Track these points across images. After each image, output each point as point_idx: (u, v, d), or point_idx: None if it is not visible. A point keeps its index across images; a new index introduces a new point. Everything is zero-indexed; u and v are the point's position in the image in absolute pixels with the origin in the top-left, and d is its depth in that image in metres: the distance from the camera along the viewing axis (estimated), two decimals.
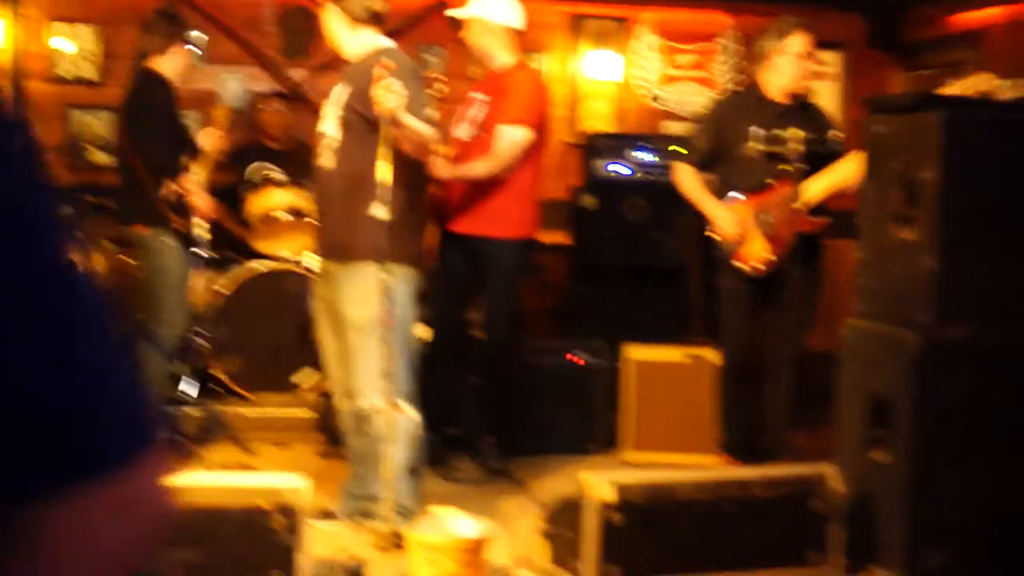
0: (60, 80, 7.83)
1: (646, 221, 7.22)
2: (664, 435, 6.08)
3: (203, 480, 3.85)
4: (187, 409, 6.36)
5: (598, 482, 4.00)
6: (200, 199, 5.82)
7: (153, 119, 5.78)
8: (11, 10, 7.67)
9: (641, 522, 4.02)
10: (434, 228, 5.82)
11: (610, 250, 7.21)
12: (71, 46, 7.82)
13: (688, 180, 5.82)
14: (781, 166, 5.46)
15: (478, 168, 5.66)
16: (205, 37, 7.21)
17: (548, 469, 5.85)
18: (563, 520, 4.34)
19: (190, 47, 6.03)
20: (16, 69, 7.72)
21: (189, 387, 6.48)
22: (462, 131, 5.80)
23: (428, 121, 4.57)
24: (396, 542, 4.37)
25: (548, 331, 7.49)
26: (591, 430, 6.28)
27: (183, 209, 5.79)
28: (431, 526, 4.16)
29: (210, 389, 6.68)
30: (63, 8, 7.82)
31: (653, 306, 7.05)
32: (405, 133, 4.37)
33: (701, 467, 5.64)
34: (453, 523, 4.18)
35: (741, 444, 5.81)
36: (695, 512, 4.14)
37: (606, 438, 6.24)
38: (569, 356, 6.36)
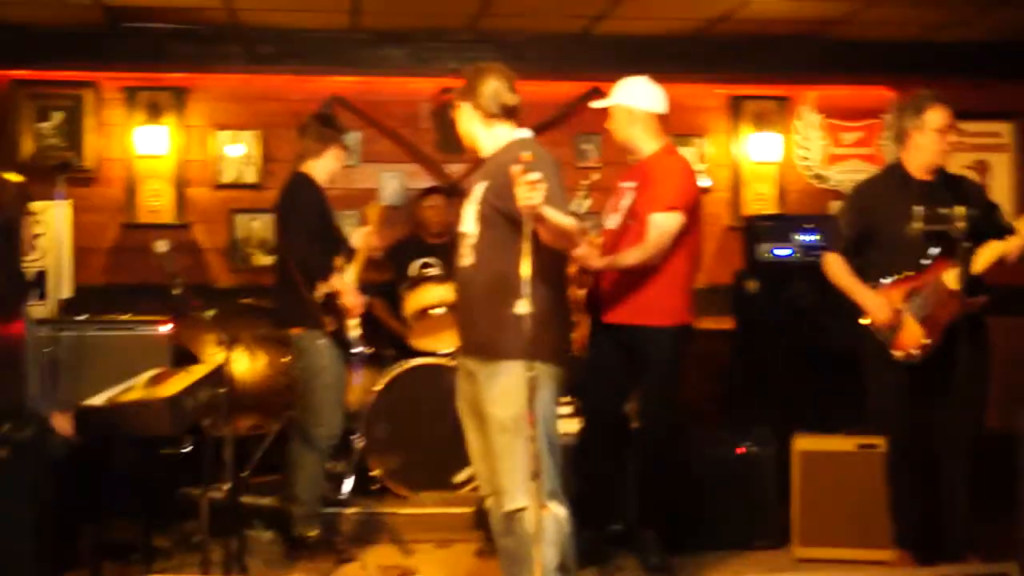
0: (223, 185, 7.98)
1: (811, 304, 6.98)
2: (837, 529, 5.77)
3: None
4: (345, 510, 6.33)
5: None
6: (351, 298, 5.81)
7: (303, 222, 5.80)
8: (176, 119, 7.88)
9: None
10: (586, 319, 5.71)
11: (775, 335, 6.99)
12: (234, 152, 7.98)
13: (838, 268, 5.58)
14: (940, 245, 5.18)
15: (630, 257, 5.53)
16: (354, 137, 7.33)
17: (713, 566, 5.61)
18: None
19: (343, 149, 6.04)
20: (180, 176, 7.92)
21: (347, 487, 6.48)
22: (612, 221, 5.69)
23: (570, 212, 4.47)
24: None
25: (713, 420, 7.26)
26: (759, 524, 6.00)
27: (336, 309, 5.78)
28: None
29: (368, 489, 6.65)
30: (226, 116, 8.01)
31: (822, 392, 6.77)
32: (548, 227, 4.27)
33: (874, 565, 5.34)
34: None
35: (916, 539, 5.48)
36: None
37: (776, 532, 5.96)
38: (739, 449, 6.11)
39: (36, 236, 5.41)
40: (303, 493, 5.85)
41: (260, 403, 7.73)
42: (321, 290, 5.71)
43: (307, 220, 5.80)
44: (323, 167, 5.99)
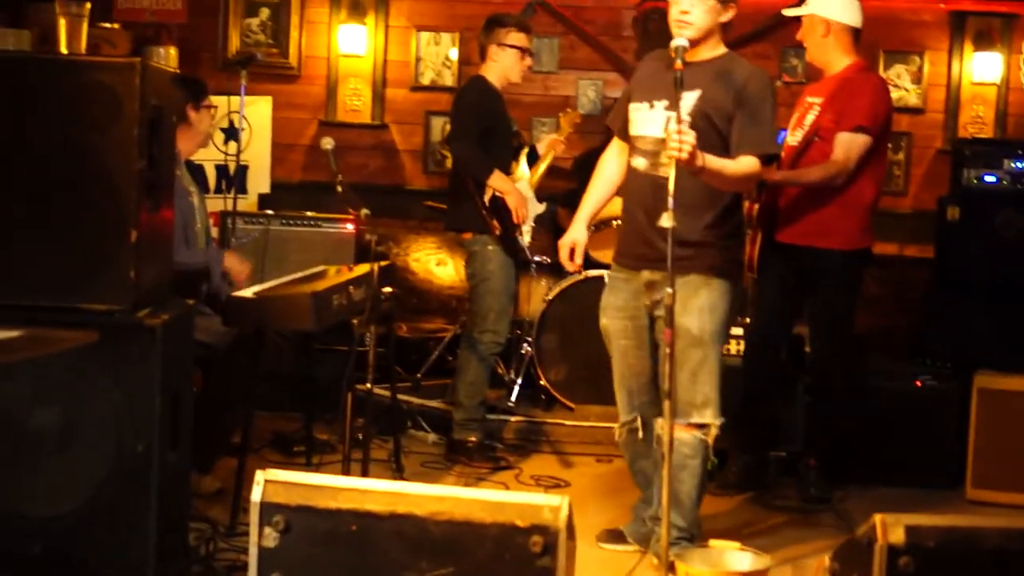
0: (420, 87, 7.99)
1: (1019, 236, 6.56)
2: (1017, 474, 5.47)
3: (460, 493, 3.71)
4: (510, 417, 6.33)
5: (891, 521, 3.58)
6: (515, 200, 5.73)
7: (465, 123, 5.75)
8: (377, 20, 7.90)
9: (933, 570, 3.57)
10: (758, 237, 5.50)
11: (976, 267, 6.59)
12: (433, 54, 7.97)
13: None
14: None
15: (813, 174, 5.30)
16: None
17: (877, 502, 5.37)
18: (852, 561, 3.93)
19: (513, 49, 5.89)
20: (380, 76, 7.96)
21: (512, 395, 6.47)
22: (795, 136, 5.44)
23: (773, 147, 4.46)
24: (670, 572, 4.09)
25: (901, 351, 6.94)
26: (932, 462, 5.72)
27: (505, 213, 5.72)
28: (704, 559, 3.87)
29: (534, 397, 6.62)
30: (427, 17, 7.98)
31: (1019, 330, 6.38)
32: (709, 176, 4.15)
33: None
34: (730, 557, 3.87)
35: None
36: (999, 565, 3.63)
37: (949, 473, 5.68)
38: (918, 382, 5.83)
39: (210, 131, 5.55)
40: (465, 398, 5.86)
41: (444, 306, 7.79)
42: (487, 194, 5.66)
43: (468, 122, 5.74)
44: (496, 69, 5.90)
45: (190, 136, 5.23)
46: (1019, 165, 6.68)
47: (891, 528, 3.64)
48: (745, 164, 4.28)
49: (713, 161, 4.11)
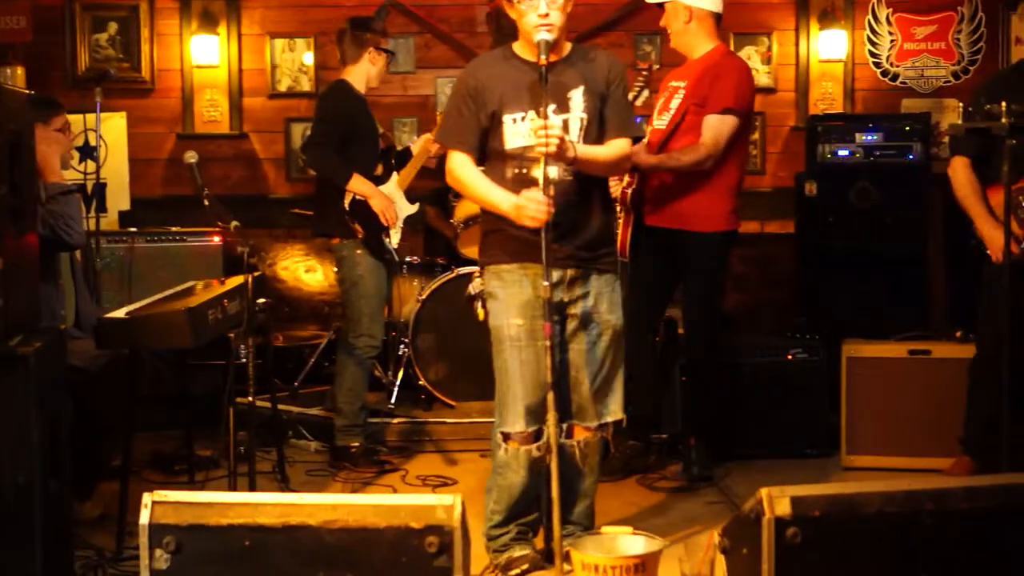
0: (278, 94, 7.93)
1: (874, 207, 6.76)
2: (889, 438, 5.64)
3: (352, 500, 3.70)
4: (391, 420, 6.33)
5: (776, 494, 3.67)
6: (379, 202, 5.72)
7: (324, 128, 5.74)
8: (230, 28, 7.82)
9: (820, 539, 3.65)
10: (630, 221, 5.56)
11: (835, 238, 6.79)
12: (288, 60, 7.91)
13: (963, 178, 5.25)
14: None
15: (684, 158, 5.36)
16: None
17: (759, 474, 5.49)
18: (742, 536, 4.01)
19: (382, 53, 5.92)
20: (236, 85, 7.88)
21: (392, 397, 6.47)
22: (661, 120, 5.51)
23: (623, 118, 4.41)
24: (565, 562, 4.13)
25: (771, 326, 7.10)
26: (808, 432, 5.88)
27: (370, 216, 5.71)
28: (597, 545, 3.92)
29: (414, 398, 6.63)
30: (280, 24, 7.92)
31: (882, 298, 6.59)
32: (583, 165, 4.20)
33: (923, 473, 5.19)
34: (623, 541, 3.93)
35: (987, 444, 5.26)
36: (882, 528, 3.74)
37: (825, 441, 5.84)
38: (788, 355, 5.96)
39: (70, 150, 5.42)
40: (344, 403, 5.84)
41: (316, 313, 7.76)
42: (347, 198, 5.66)
43: (329, 127, 5.73)
44: (360, 72, 5.90)
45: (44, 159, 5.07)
46: (871, 138, 6.89)
47: (777, 501, 3.73)
48: (617, 148, 4.34)
49: (585, 150, 4.18)
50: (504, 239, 4.30)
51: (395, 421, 6.35)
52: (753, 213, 7.59)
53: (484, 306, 4.47)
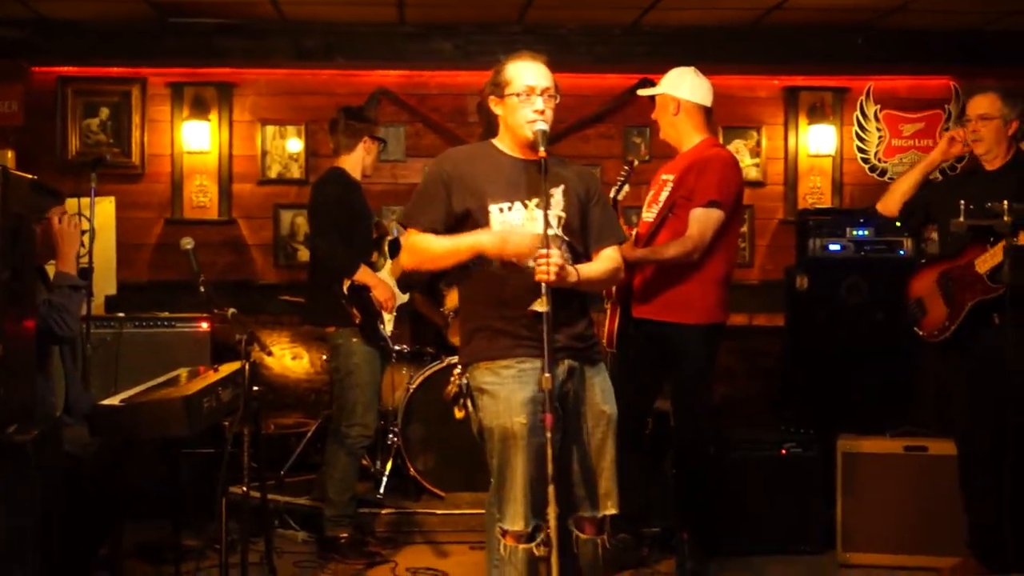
0: (268, 181, 7.94)
1: (865, 302, 6.78)
2: (883, 534, 5.60)
3: None
4: (380, 510, 6.26)
5: None
6: (382, 292, 5.72)
7: (327, 217, 5.74)
8: (221, 115, 7.85)
9: None
10: (616, 312, 5.55)
11: (826, 333, 6.79)
12: (279, 148, 7.94)
13: None
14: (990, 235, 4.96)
15: (669, 251, 5.36)
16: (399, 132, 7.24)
17: (753, 572, 5.44)
18: None
19: (376, 141, 5.95)
20: (226, 171, 7.90)
21: (380, 487, 6.40)
22: (650, 213, 5.53)
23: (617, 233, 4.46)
24: None
25: (761, 420, 7.07)
26: (803, 528, 5.82)
27: (368, 304, 5.69)
28: None
29: (403, 488, 6.56)
30: (272, 111, 7.97)
31: (874, 393, 6.57)
32: (585, 285, 4.22)
33: (921, 571, 5.15)
34: None
35: (991, 544, 5.19)
36: None
37: (820, 537, 5.78)
38: (782, 450, 5.93)
39: (82, 233, 5.36)
40: (334, 493, 5.77)
41: (302, 401, 7.70)
42: (346, 284, 5.63)
43: (332, 216, 5.74)
44: (355, 161, 5.92)
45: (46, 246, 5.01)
46: (861, 233, 6.92)
47: None
48: (611, 259, 4.35)
49: (585, 272, 4.19)
50: (493, 335, 4.21)
51: (384, 511, 6.28)
52: (741, 305, 7.59)
53: (471, 404, 4.36)
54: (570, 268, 4.11)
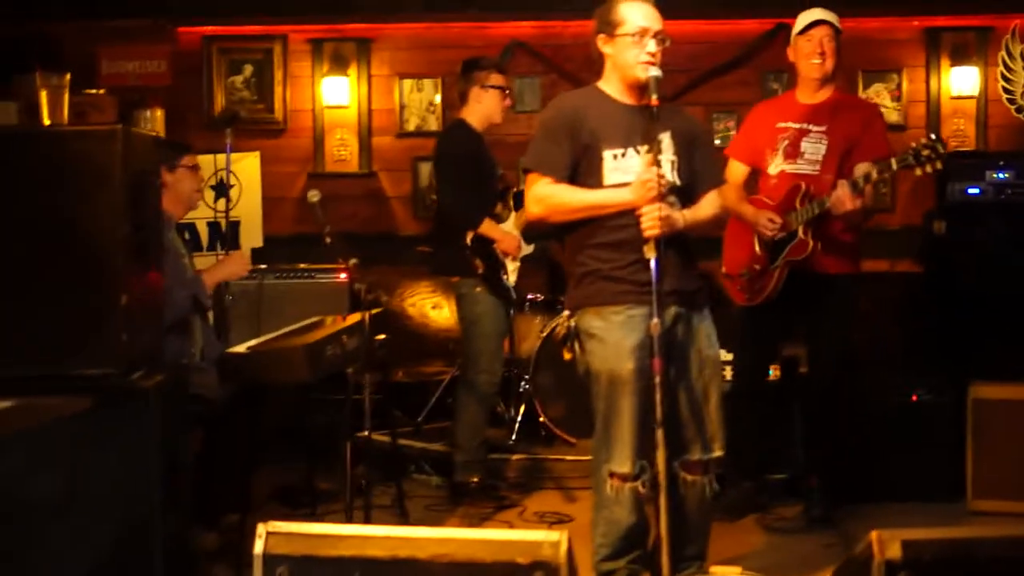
0: (406, 134, 8.07)
1: (1005, 245, 6.62)
2: (1014, 482, 5.50)
3: (460, 535, 3.75)
4: (511, 456, 6.37)
5: (887, 537, 3.61)
6: (507, 244, 5.80)
7: (449, 169, 5.84)
8: (360, 70, 8.01)
9: None
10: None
11: (964, 278, 6.66)
12: (416, 100, 8.07)
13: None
14: None
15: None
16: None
17: (880, 518, 5.38)
18: None
19: (490, 90, 5.96)
20: (365, 125, 8.06)
21: (512, 433, 6.51)
22: (800, 166, 5.39)
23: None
24: None
25: (896, 366, 6.97)
26: (933, 476, 5.74)
27: (492, 255, 5.78)
28: None
29: (534, 434, 6.66)
30: (408, 65, 8.08)
31: (1014, 339, 6.42)
32: (690, 229, 4.30)
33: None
34: None
35: None
36: (997, 571, 3.66)
37: (949, 485, 5.69)
38: (914, 396, 5.86)
39: (198, 190, 5.58)
40: (464, 440, 5.89)
41: (442, 349, 7.84)
42: (469, 236, 5.72)
43: (453, 167, 5.82)
44: (474, 112, 5.97)
45: (172, 198, 5.22)
46: (1002, 176, 6.75)
47: (888, 544, 3.67)
48: (716, 203, 4.41)
49: (691, 216, 4.25)
50: (603, 282, 4.29)
51: (515, 457, 6.39)
52: (883, 251, 7.48)
53: (578, 346, 4.42)
54: (676, 215, 4.16)
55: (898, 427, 5.81)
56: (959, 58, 7.88)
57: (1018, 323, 6.47)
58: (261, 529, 2.94)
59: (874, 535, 3.69)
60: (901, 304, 7.40)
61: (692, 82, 7.87)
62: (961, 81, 7.88)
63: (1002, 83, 7.91)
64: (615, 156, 4.24)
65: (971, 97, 7.90)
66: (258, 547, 2.95)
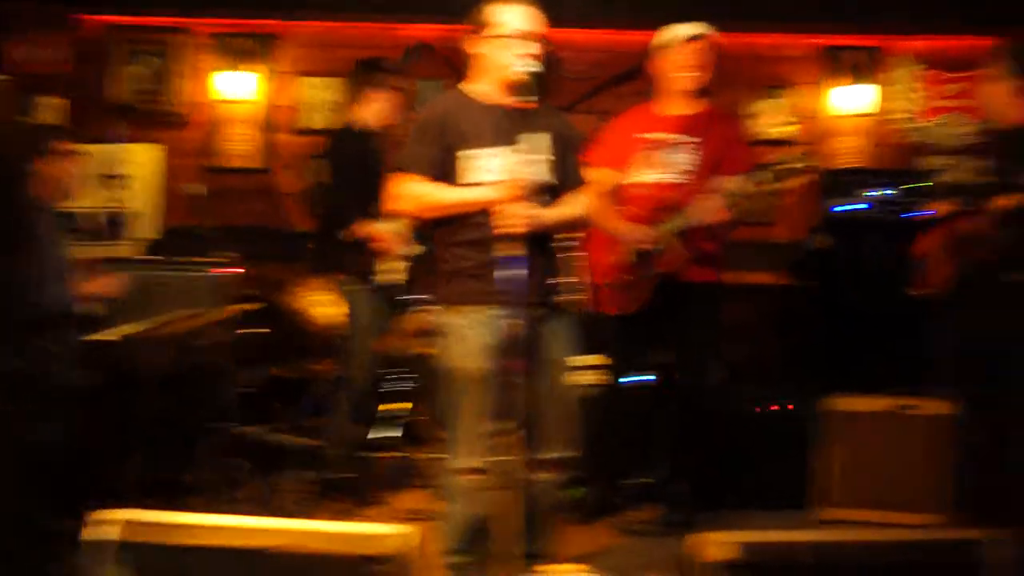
0: (305, 131, 8.11)
1: (883, 261, 6.76)
2: (871, 492, 5.64)
3: (308, 526, 3.80)
4: (382, 454, 6.41)
5: (707, 541, 3.71)
6: (387, 244, 5.85)
7: (331, 169, 5.90)
8: (263, 66, 8.04)
9: None
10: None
11: (843, 292, 6.80)
12: (316, 98, 8.11)
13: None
14: None
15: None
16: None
17: (736, 523, 5.48)
18: None
19: (381, 91, 6.03)
20: (267, 121, 8.09)
21: (386, 431, 6.55)
22: (668, 175, 5.51)
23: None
24: None
25: (775, 378, 7.10)
26: (791, 486, 5.85)
27: (368, 254, 5.83)
28: None
29: (407, 433, 6.70)
30: (310, 63, 8.12)
31: (890, 352, 6.56)
32: (554, 229, 4.39)
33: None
34: None
35: (979, 503, 5.22)
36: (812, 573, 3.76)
37: (808, 493, 5.81)
38: (779, 407, 5.99)
39: (74, 178, 5.56)
40: (336, 436, 5.95)
41: (325, 346, 7.86)
42: (347, 234, 5.78)
43: (334, 168, 5.89)
44: (368, 111, 6.03)
45: (43, 185, 5.20)
46: (885, 192, 6.90)
47: (712, 546, 3.78)
48: (581, 203, 4.49)
49: (552, 215, 4.31)
50: (467, 281, 4.35)
51: (387, 455, 6.44)
52: (768, 265, 7.60)
53: (437, 342, 4.49)
54: (546, 213, 4.24)
55: (764, 436, 5.95)
56: (850, 76, 8.03)
57: (893, 337, 6.62)
58: (98, 516, 2.98)
59: (697, 537, 3.80)
60: (783, 317, 7.54)
61: (595, 89, 7.95)
62: (851, 99, 8.03)
63: (893, 103, 8.06)
64: (482, 156, 4.30)
65: (862, 115, 8.05)
66: (104, 534, 2.99)
